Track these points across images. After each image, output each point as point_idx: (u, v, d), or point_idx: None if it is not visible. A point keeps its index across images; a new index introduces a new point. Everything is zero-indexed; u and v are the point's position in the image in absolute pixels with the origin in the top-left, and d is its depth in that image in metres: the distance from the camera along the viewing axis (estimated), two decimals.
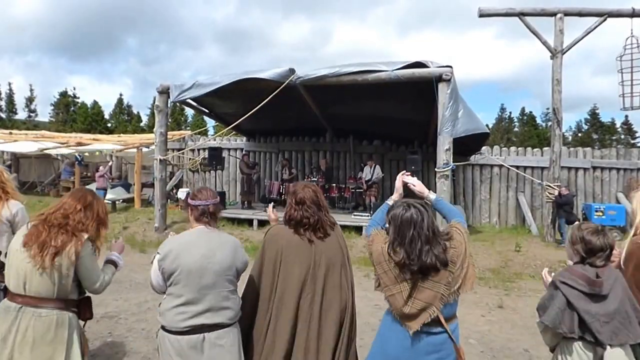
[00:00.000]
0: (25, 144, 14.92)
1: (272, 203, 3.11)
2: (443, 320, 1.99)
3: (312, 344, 2.26)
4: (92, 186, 13.88)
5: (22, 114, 42.92)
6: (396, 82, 8.01)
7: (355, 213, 10.45)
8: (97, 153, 14.20)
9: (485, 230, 11.13)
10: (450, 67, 7.77)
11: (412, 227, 1.98)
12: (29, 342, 2.09)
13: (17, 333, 2.09)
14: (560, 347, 2.17)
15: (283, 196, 11.57)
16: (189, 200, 2.32)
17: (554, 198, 9.11)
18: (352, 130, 12.61)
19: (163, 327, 2.15)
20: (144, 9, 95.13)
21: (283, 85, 8.30)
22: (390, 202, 2.30)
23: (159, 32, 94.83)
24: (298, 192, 2.45)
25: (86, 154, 14.34)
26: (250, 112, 8.86)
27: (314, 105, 10.27)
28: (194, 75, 73.17)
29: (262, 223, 9.94)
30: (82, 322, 2.38)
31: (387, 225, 2.13)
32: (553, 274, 2.27)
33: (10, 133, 18.43)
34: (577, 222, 2.32)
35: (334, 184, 11.70)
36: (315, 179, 11.19)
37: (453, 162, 8.06)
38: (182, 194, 12.64)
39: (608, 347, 1.99)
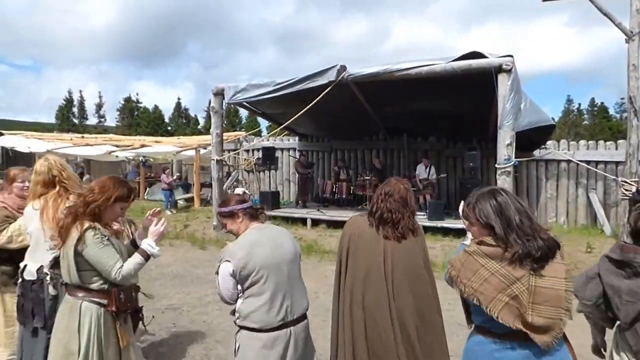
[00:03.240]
0: (95, 147, 16.08)
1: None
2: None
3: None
4: (157, 187, 14.74)
5: (92, 120, 46.59)
6: (452, 75, 7.70)
7: None
8: (159, 157, 15.08)
9: (552, 230, 10.39)
10: (511, 56, 7.34)
11: (513, 210, 1.70)
12: (55, 327, 2.27)
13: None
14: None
15: (336, 195, 11.56)
16: (233, 208, 2.28)
17: (631, 195, 8.32)
18: (406, 127, 12.32)
19: (249, 328, 2.12)
20: (207, 15, 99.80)
21: (334, 83, 8.25)
22: (467, 242, 2.04)
23: (220, 36, 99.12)
24: (388, 185, 2.40)
25: (150, 159, 15.29)
26: (301, 112, 8.92)
27: (366, 102, 10.14)
28: (251, 77, 75.73)
29: (316, 222, 9.98)
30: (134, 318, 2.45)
31: (470, 224, 1.84)
32: None
33: (83, 137, 19.97)
34: None
35: None
36: (369, 178, 11.05)
37: (515, 157, 7.62)
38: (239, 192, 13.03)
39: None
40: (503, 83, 7.34)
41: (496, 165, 7.69)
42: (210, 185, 12.78)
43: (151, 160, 15.91)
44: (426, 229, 8.95)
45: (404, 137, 12.61)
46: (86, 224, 2.19)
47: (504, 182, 7.52)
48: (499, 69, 7.33)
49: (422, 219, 9.29)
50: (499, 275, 1.64)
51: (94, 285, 2.24)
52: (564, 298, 1.62)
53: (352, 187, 11.42)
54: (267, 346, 2.07)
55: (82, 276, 2.22)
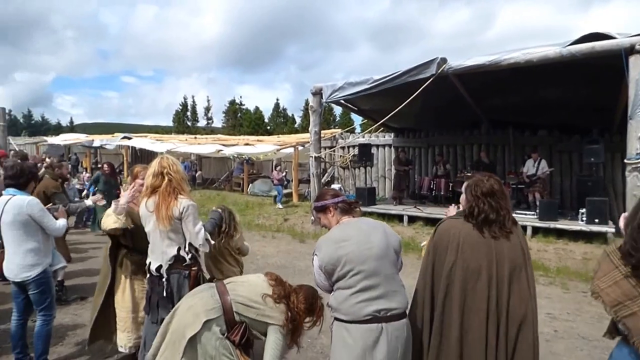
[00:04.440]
0: (206, 146, 17.66)
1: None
2: None
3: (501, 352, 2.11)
4: (259, 182, 15.72)
5: (202, 122, 51.41)
6: (569, 60, 6.94)
7: (517, 211, 9.46)
8: (261, 157, 16.17)
9: None
10: None
11: None
12: (190, 297, 2.55)
13: None
14: None
15: (433, 192, 11.19)
16: (324, 202, 2.32)
17: None
18: (512, 119, 11.44)
19: (340, 319, 2.13)
20: (303, 19, 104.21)
21: (433, 77, 7.98)
22: None
23: (315, 38, 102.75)
24: (484, 184, 2.22)
25: (252, 157, 16.43)
26: (398, 107, 8.77)
27: (467, 95, 9.63)
28: (346, 75, 76.97)
29: (412, 219, 9.78)
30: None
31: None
32: None
33: (195, 137, 22.06)
34: None
35: None
36: (470, 174, 10.49)
37: None
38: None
39: None
40: (636, 66, 6.43)
41: (625, 161, 6.78)
42: (307, 181, 13.28)
43: (253, 158, 17.03)
44: (537, 229, 8.28)
45: (510, 131, 11.72)
46: (291, 326, 2.45)
47: (636, 179, 6.60)
48: (631, 50, 6.44)
49: (532, 219, 8.58)
50: (631, 280, 1.48)
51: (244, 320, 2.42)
52: None
53: (450, 184, 10.95)
54: (355, 339, 2.04)
55: (254, 330, 2.43)
